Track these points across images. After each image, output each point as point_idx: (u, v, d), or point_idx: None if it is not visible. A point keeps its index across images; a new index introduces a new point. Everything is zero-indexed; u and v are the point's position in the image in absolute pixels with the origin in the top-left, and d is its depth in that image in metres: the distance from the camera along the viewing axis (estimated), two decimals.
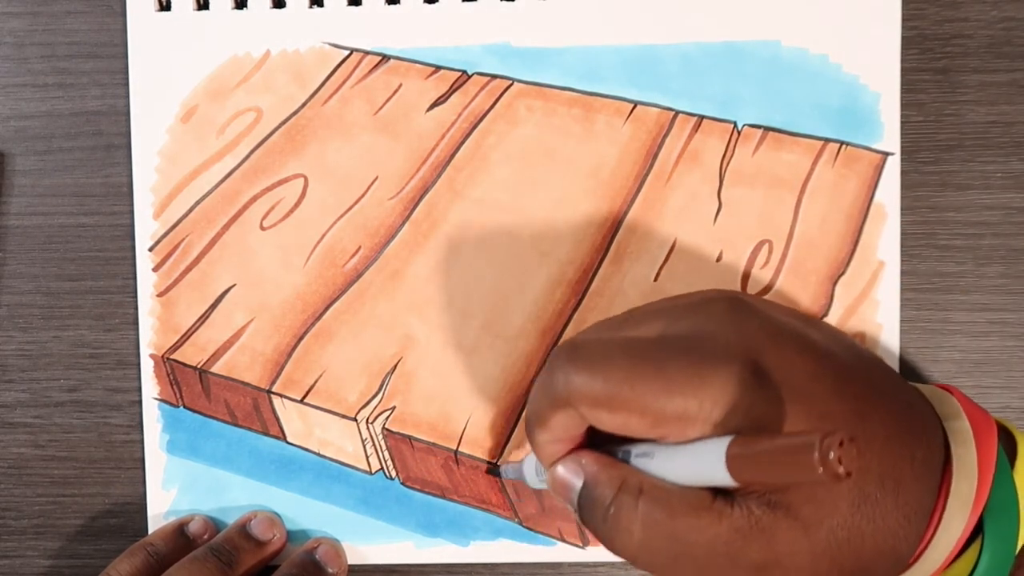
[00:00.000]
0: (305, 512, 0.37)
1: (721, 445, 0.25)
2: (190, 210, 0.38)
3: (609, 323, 0.31)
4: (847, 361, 0.29)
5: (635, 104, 0.37)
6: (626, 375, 0.26)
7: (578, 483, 0.28)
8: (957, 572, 0.28)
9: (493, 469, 0.36)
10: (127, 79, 0.38)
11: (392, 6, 0.38)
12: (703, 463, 0.26)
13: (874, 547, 0.27)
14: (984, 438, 0.28)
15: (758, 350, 0.27)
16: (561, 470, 0.29)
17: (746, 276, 0.36)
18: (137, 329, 0.38)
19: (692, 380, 0.26)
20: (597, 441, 0.29)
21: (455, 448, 0.37)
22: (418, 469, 0.37)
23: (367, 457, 0.37)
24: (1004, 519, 0.28)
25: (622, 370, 0.26)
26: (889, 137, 0.36)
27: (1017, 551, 0.28)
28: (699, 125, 0.37)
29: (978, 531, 0.28)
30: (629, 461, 0.28)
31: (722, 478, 0.25)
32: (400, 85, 0.38)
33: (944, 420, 0.29)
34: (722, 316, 0.28)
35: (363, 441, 0.37)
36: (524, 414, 0.30)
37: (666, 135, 0.37)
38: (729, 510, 0.26)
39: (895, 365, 0.36)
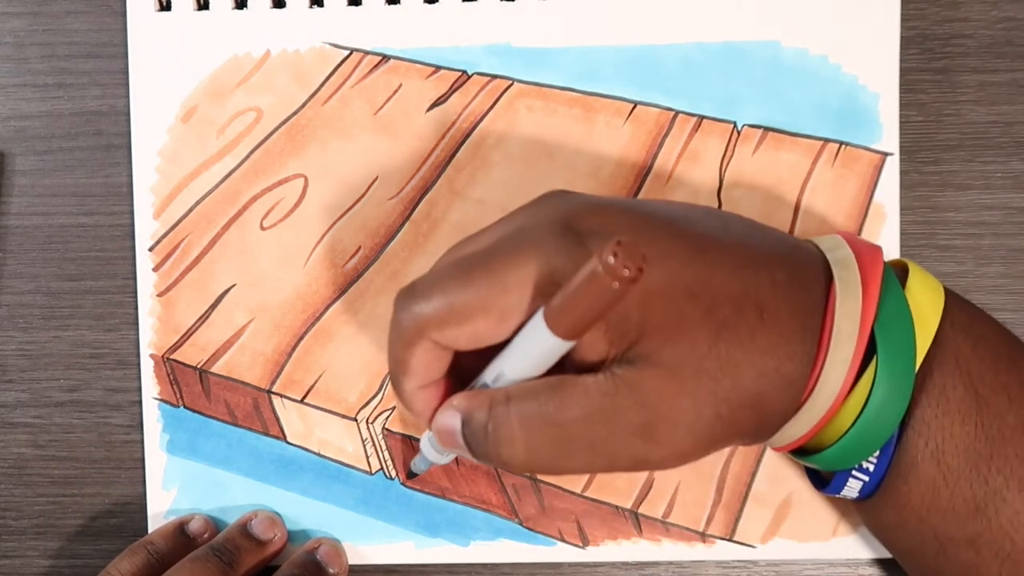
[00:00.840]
0: (305, 512, 0.37)
1: (541, 315, 0.25)
2: (190, 210, 0.38)
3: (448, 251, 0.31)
4: (691, 216, 0.28)
5: (635, 104, 0.37)
6: (461, 284, 0.27)
7: (458, 423, 0.28)
8: (859, 396, 0.27)
9: (410, 475, 0.36)
10: (127, 79, 0.38)
11: (392, 6, 0.38)
12: (538, 343, 0.26)
13: (754, 371, 0.26)
14: (869, 260, 0.28)
15: (575, 217, 0.27)
16: (440, 419, 0.29)
17: None
18: (137, 329, 0.38)
19: (515, 260, 0.26)
20: (461, 388, 0.30)
21: None
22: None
23: (367, 457, 0.37)
24: (897, 329, 0.27)
25: (456, 281, 0.27)
26: (888, 137, 0.36)
27: (917, 368, 0.27)
28: (699, 125, 0.37)
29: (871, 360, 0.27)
30: (490, 387, 0.28)
31: (556, 344, 0.25)
32: (400, 85, 0.38)
33: (826, 252, 0.29)
34: (543, 203, 0.29)
35: (363, 441, 0.37)
36: (389, 375, 0.30)
37: (666, 135, 0.37)
38: (593, 379, 0.26)
39: None
